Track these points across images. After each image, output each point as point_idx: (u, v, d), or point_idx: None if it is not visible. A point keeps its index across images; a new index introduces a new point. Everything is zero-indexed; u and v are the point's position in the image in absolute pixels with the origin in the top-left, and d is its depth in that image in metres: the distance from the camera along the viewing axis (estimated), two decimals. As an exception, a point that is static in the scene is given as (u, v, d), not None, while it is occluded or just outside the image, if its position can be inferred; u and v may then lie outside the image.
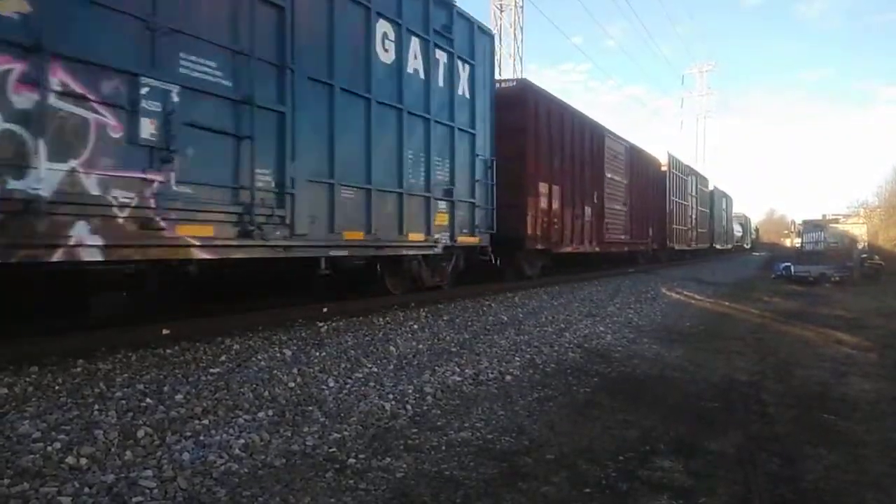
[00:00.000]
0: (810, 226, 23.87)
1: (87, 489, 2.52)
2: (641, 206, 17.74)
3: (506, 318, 7.51)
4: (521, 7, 21.49)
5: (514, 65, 21.05)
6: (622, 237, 16.07)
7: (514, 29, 21.31)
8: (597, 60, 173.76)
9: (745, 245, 51.64)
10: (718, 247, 33.48)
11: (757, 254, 50.18)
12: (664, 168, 20.60)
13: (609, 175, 14.83)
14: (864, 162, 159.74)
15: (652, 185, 19.22)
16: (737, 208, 50.19)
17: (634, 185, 17.00)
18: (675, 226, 21.73)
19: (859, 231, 22.98)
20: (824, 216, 24.73)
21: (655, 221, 19.51)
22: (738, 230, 46.06)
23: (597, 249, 14.08)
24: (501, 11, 21.42)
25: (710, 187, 31.14)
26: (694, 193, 25.74)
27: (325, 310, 6.34)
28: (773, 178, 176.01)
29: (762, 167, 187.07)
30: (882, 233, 26.72)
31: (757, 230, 71.90)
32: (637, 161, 17.48)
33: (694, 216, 25.73)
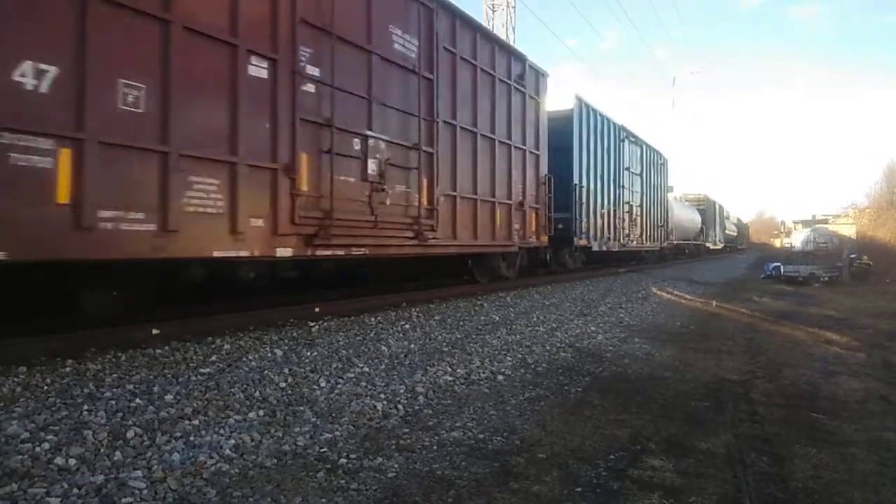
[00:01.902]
0: (800, 226, 24.11)
1: (76, 490, 2.50)
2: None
3: (497, 318, 7.52)
4: (514, 7, 21.52)
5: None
6: None
7: (507, 29, 21.32)
8: (591, 63, 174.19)
9: (708, 244, 34.06)
10: (610, 248, 15.39)
11: (741, 256, 40.59)
12: None
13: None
14: (854, 164, 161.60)
15: None
16: (705, 193, 33.89)
17: None
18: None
19: (849, 231, 23.22)
20: (814, 217, 24.99)
21: None
22: (693, 220, 29.63)
23: None
24: (493, 11, 21.44)
25: (582, 110, 13.43)
26: (489, 96, 8.90)
27: (316, 310, 6.32)
28: (763, 179, 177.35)
29: (753, 168, 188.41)
30: (871, 233, 26.98)
31: (739, 223, 54.67)
32: None
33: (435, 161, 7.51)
